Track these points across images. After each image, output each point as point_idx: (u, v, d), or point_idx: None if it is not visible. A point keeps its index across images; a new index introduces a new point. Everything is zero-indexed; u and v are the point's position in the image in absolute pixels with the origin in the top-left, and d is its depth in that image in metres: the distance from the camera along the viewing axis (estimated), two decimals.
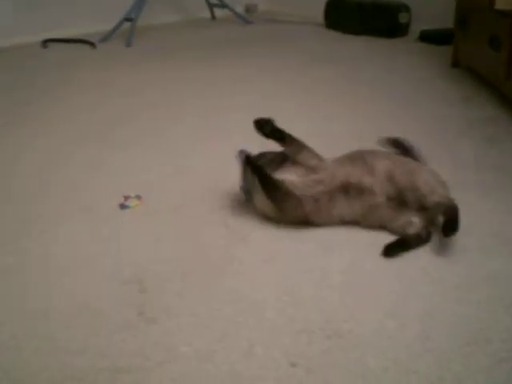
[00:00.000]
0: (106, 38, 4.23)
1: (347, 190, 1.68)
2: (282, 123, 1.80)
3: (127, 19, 4.20)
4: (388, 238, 1.62)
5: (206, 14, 5.07)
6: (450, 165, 2.09)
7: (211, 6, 5.00)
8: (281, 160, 1.81)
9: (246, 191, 1.80)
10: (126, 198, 1.89)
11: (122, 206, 1.84)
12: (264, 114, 1.79)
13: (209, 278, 1.49)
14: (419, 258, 1.55)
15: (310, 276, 1.48)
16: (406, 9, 4.09)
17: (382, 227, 1.67)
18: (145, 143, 2.39)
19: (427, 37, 3.86)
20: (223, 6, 4.82)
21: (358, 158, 1.75)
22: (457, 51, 3.30)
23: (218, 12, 5.03)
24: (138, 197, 1.90)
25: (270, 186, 1.68)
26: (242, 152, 1.74)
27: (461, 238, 1.62)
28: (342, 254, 1.58)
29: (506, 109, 2.64)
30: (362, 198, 1.67)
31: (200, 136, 2.46)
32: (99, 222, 1.77)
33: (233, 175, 1.85)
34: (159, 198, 1.92)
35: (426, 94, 2.95)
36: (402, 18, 4.07)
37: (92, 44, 4.08)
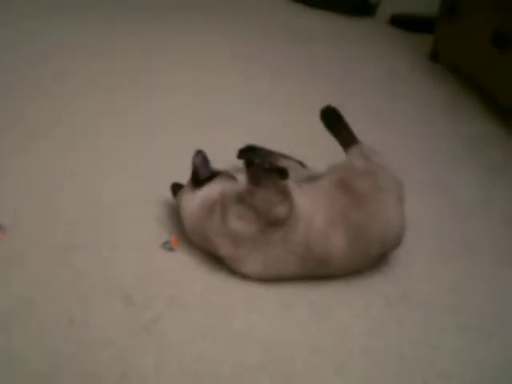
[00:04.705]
0: None
1: None
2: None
3: None
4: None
5: None
6: (448, 207, 1.55)
7: None
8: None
9: None
10: None
11: None
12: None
13: None
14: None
15: None
16: None
17: None
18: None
19: (400, 21, 3.28)
20: None
21: None
22: (438, 43, 2.74)
23: None
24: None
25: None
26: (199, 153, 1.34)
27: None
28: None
29: (505, 125, 2.09)
30: None
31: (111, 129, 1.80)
32: None
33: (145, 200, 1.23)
34: (31, 230, 1.32)
35: (402, 93, 2.40)
36: None
37: None
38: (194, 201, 1.28)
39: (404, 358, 1.09)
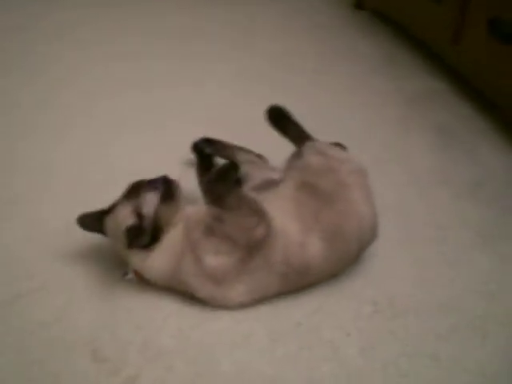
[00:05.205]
0: None
1: None
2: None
3: None
4: None
5: None
6: (408, 181, 1.48)
7: None
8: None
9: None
10: None
11: None
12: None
13: None
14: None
15: None
16: None
17: None
18: None
19: None
20: None
21: None
22: None
23: None
24: None
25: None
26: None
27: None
28: None
29: (450, 80, 2.02)
30: None
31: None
32: None
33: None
34: None
35: (332, 48, 2.27)
36: None
37: None
38: (156, 262, 1.08)
39: (404, 376, 1.02)
